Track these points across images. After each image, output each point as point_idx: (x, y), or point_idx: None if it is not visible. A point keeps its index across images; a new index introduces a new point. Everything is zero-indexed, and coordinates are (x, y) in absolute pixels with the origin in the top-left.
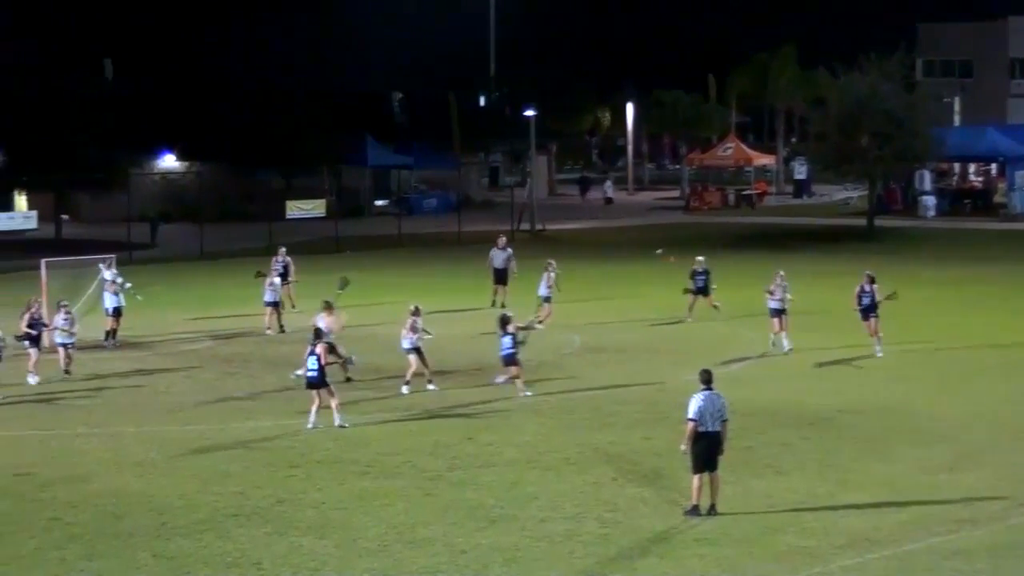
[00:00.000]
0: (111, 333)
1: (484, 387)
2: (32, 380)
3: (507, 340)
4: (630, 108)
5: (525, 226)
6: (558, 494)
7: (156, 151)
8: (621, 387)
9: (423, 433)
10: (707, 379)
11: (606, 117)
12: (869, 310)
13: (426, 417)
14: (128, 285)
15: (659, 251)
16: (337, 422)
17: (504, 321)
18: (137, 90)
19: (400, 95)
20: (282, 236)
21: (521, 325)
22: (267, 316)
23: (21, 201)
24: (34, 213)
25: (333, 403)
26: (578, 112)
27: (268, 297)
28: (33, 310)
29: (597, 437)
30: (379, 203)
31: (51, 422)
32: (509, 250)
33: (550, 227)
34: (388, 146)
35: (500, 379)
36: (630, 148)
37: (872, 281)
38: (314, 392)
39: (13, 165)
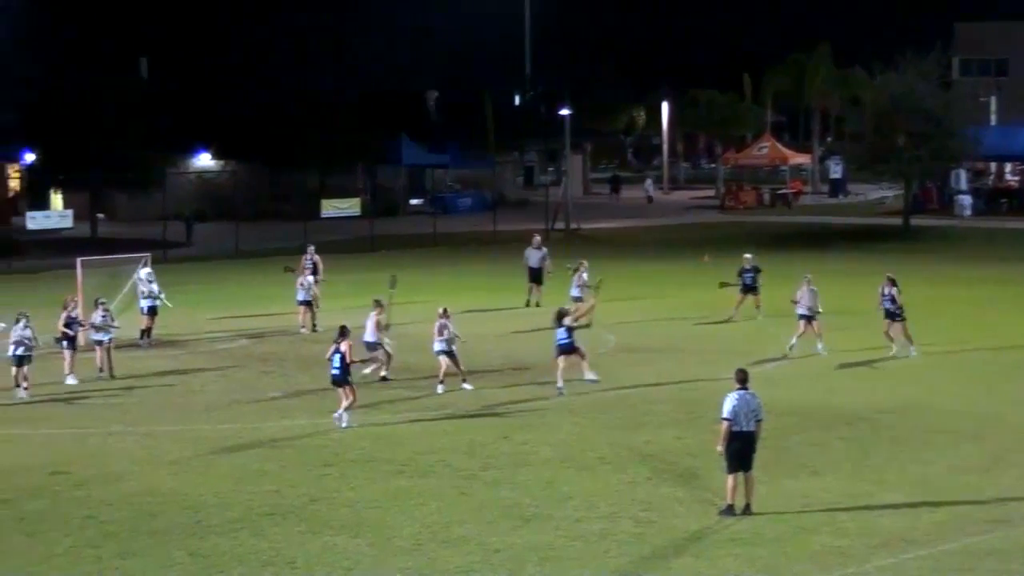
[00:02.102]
0: (146, 332)
1: (519, 386)
2: (70, 380)
3: (562, 332)
4: (665, 107)
5: (560, 225)
6: (593, 493)
7: (192, 150)
8: (656, 386)
9: (458, 432)
10: (742, 379)
11: (641, 116)
12: (893, 314)
13: (461, 416)
14: (161, 293)
15: (705, 259)
16: (343, 423)
17: (560, 315)
18: (173, 89)
19: (435, 94)
20: (317, 235)
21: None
22: (300, 315)
23: (57, 200)
24: (70, 212)
25: (345, 402)
26: (613, 111)
27: (301, 296)
28: (69, 308)
29: (632, 436)
30: (414, 202)
31: (86, 421)
32: (544, 249)
33: (585, 226)
34: (423, 145)
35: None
36: (665, 147)
37: (893, 283)
38: (340, 390)
39: (49, 164)
